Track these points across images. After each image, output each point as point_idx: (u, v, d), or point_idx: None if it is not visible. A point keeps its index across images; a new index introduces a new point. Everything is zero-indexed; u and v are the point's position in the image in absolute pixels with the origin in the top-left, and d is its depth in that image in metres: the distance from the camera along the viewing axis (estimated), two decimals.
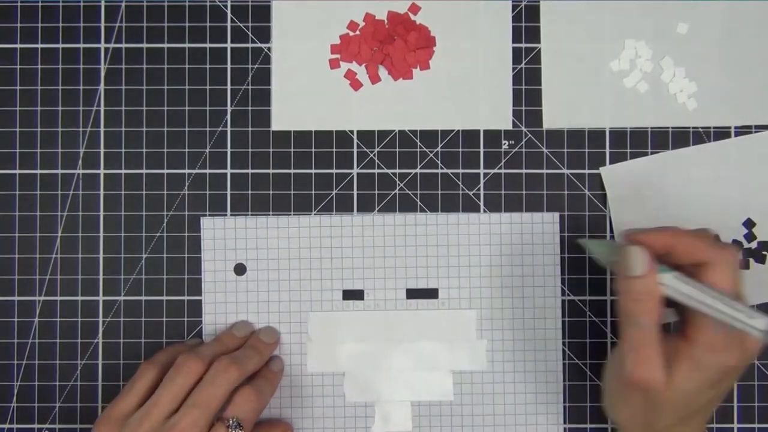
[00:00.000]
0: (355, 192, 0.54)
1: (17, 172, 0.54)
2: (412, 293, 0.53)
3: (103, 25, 0.54)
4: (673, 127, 0.54)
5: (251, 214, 0.54)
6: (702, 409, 0.45)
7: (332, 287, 0.53)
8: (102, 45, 0.54)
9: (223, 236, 0.53)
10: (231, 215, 0.53)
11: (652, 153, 0.54)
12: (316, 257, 0.53)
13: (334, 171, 0.54)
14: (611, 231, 0.54)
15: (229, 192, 0.54)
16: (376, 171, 0.54)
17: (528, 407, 0.53)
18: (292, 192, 0.54)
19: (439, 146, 0.54)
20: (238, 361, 0.48)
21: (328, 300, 0.53)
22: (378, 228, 0.53)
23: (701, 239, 0.43)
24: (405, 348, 0.53)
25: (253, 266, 0.53)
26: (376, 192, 0.54)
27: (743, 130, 0.54)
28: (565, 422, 0.53)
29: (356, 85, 0.54)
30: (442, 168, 0.54)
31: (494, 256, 0.53)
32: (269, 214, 0.54)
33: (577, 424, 0.53)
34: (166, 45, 0.54)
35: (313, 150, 0.54)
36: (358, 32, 0.54)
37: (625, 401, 0.45)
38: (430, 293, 0.53)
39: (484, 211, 0.53)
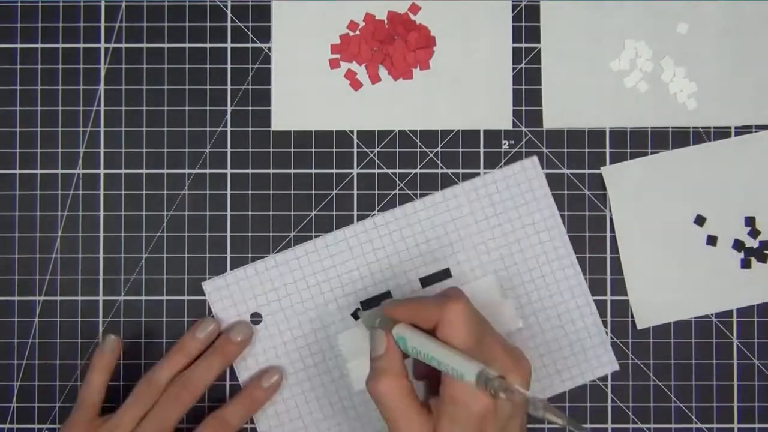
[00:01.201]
0: (355, 192, 0.54)
1: (17, 172, 0.54)
2: (426, 281, 0.53)
3: (103, 25, 0.54)
4: (673, 127, 0.54)
5: (252, 264, 0.54)
6: None
7: (348, 303, 0.53)
8: (102, 45, 0.54)
9: (228, 293, 0.53)
10: (230, 272, 0.53)
11: (652, 153, 0.54)
12: (324, 280, 0.53)
13: (334, 171, 0.54)
14: (611, 231, 0.54)
15: (229, 192, 0.54)
16: (376, 171, 0.54)
17: (574, 347, 0.53)
18: (292, 192, 0.54)
19: (439, 146, 0.54)
20: (191, 383, 0.50)
21: (348, 316, 0.53)
22: (371, 232, 0.53)
23: (425, 304, 0.44)
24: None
25: (267, 311, 0.53)
26: (376, 192, 0.54)
27: (743, 130, 0.54)
28: (613, 380, 0.53)
29: (356, 85, 0.54)
30: (442, 168, 0.54)
31: (490, 217, 0.53)
32: (266, 257, 0.53)
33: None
34: (166, 45, 0.54)
35: (313, 150, 0.54)
36: (358, 32, 0.54)
37: None
38: (444, 275, 0.53)
39: (461, 179, 0.53)
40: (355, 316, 0.53)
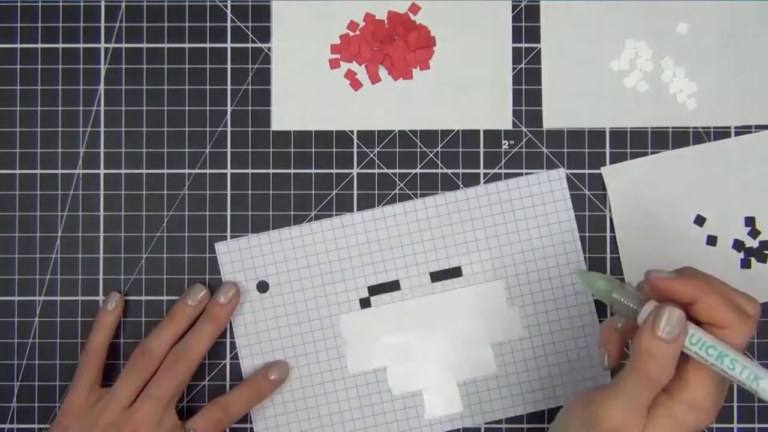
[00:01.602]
0: (355, 192, 0.54)
1: (17, 172, 0.54)
2: (436, 276, 0.53)
3: (103, 25, 0.54)
4: (673, 127, 0.54)
5: (266, 231, 0.54)
6: None
7: (356, 286, 0.53)
8: (102, 45, 0.54)
9: (240, 257, 0.53)
10: (244, 236, 0.53)
11: (652, 153, 0.54)
12: (335, 259, 0.53)
13: (334, 171, 0.54)
14: (611, 231, 0.54)
15: (229, 192, 0.54)
16: (376, 171, 0.54)
17: (572, 365, 0.53)
18: (292, 192, 0.54)
19: (439, 146, 0.54)
20: (187, 353, 0.50)
21: (354, 299, 0.53)
22: (389, 219, 0.53)
23: (728, 304, 0.41)
24: (440, 331, 0.53)
25: (275, 281, 0.53)
26: (376, 192, 0.54)
27: (743, 130, 0.54)
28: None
29: (356, 85, 0.54)
30: (442, 168, 0.54)
31: (509, 223, 0.53)
32: (282, 228, 0.53)
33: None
34: (166, 45, 0.54)
35: (313, 150, 0.54)
36: (358, 32, 0.54)
37: None
38: (454, 272, 0.53)
39: (486, 182, 0.53)
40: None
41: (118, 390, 0.49)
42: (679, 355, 0.40)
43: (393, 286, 0.53)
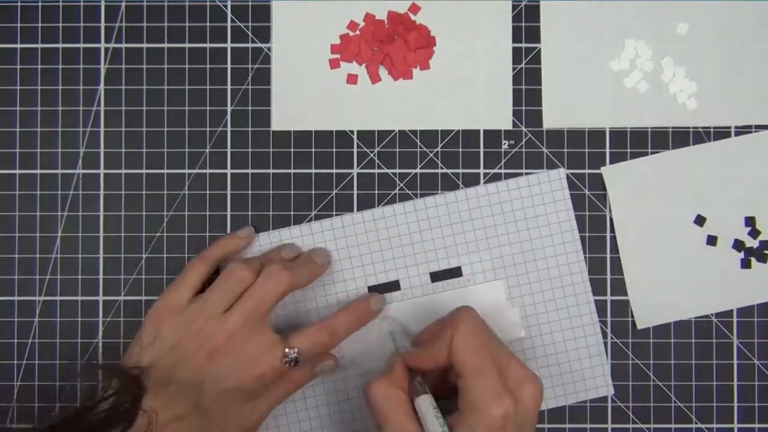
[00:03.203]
0: (355, 192, 0.54)
1: (17, 172, 0.54)
2: (436, 276, 0.53)
3: (103, 25, 0.54)
4: (673, 127, 0.54)
5: (266, 232, 0.54)
6: None
7: (356, 286, 0.53)
8: (102, 45, 0.54)
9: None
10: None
11: (652, 153, 0.54)
12: (335, 260, 0.53)
13: (334, 171, 0.54)
14: (611, 231, 0.54)
15: (229, 192, 0.54)
16: (376, 171, 0.54)
17: (573, 365, 0.53)
18: (292, 192, 0.54)
19: (439, 146, 0.54)
20: (290, 267, 0.48)
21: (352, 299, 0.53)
22: (389, 219, 0.53)
23: (419, 358, 0.46)
24: None
25: None
26: (376, 192, 0.54)
27: (743, 130, 0.54)
28: (613, 379, 0.53)
29: (356, 84, 0.54)
30: (442, 168, 0.54)
31: (509, 223, 0.53)
32: (281, 228, 0.53)
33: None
34: (166, 45, 0.54)
35: (313, 150, 0.54)
36: (358, 32, 0.54)
37: None
38: (454, 272, 0.53)
39: (486, 182, 0.53)
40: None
41: (211, 295, 0.48)
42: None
43: (393, 286, 0.53)
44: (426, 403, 0.44)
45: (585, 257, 0.53)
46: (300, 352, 0.47)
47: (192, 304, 0.48)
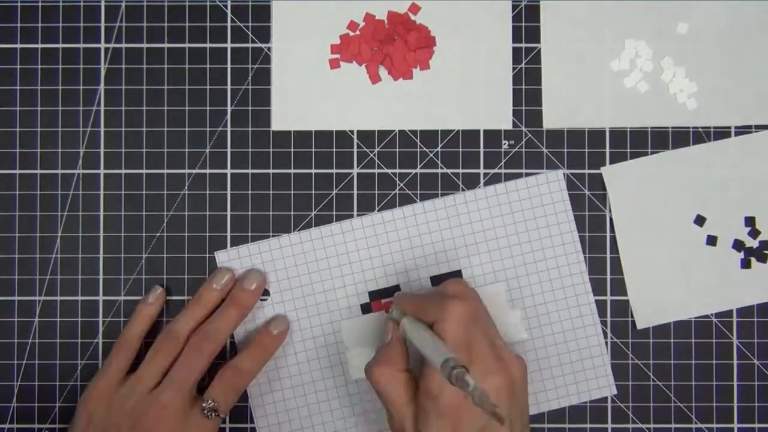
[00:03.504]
0: (355, 192, 0.54)
1: (17, 172, 0.54)
2: (437, 280, 0.53)
3: (103, 25, 0.54)
4: (673, 127, 0.54)
5: (266, 240, 0.54)
6: None
7: (357, 291, 0.53)
8: (102, 45, 0.54)
9: (240, 266, 0.53)
10: (244, 245, 0.53)
11: (652, 153, 0.54)
12: (335, 265, 0.53)
13: (334, 171, 0.54)
14: (611, 231, 0.54)
15: (229, 192, 0.54)
16: (376, 171, 0.54)
17: (575, 365, 0.53)
18: (292, 192, 0.54)
19: (439, 146, 0.54)
20: (212, 334, 0.50)
21: (355, 305, 0.53)
22: (389, 224, 0.53)
23: (428, 301, 0.46)
24: None
25: (275, 288, 0.53)
26: (376, 192, 0.54)
27: (743, 130, 0.54)
28: (615, 380, 0.53)
29: (356, 84, 0.54)
30: (442, 168, 0.54)
31: (508, 225, 0.53)
32: (281, 236, 0.53)
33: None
34: (166, 45, 0.54)
35: (313, 150, 0.54)
36: (358, 32, 0.54)
37: None
38: (455, 276, 0.53)
39: (485, 184, 0.53)
40: (367, 308, 0.53)
41: (143, 373, 0.49)
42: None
43: (393, 290, 0.53)
44: (412, 322, 0.46)
45: (585, 257, 0.53)
46: (215, 400, 0.49)
47: (126, 382, 0.49)
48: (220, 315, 0.51)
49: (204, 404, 0.48)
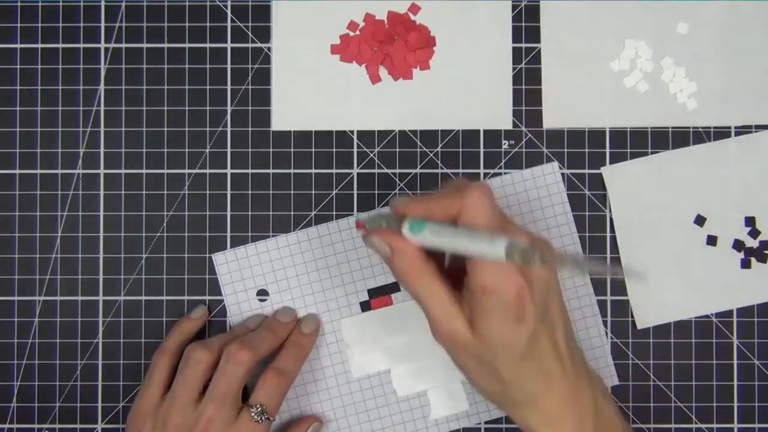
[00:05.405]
0: (355, 192, 0.54)
1: (17, 172, 0.54)
2: None
3: (103, 25, 0.54)
4: (673, 127, 0.54)
5: (264, 240, 0.54)
6: (538, 348, 0.42)
7: (356, 289, 0.53)
8: (102, 45, 0.54)
9: (238, 267, 0.53)
10: (242, 246, 0.53)
11: (652, 153, 0.54)
12: (334, 264, 0.53)
13: (334, 171, 0.54)
14: (611, 231, 0.54)
15: (229, 192, 0.54)
16: (376, 171, 0.54)
17: None
18: (292, 192, 0.54)
19: (439, 146, 0.54)
20: (249, 343, 0.49)
21: (355, 303, 0.53)
22: None
23: (444, 195, 0.42)
24: None
25: (274, 289, 0.53)
26: (376, 192, 0.54)
27: (743, 130, 0.54)
28: (619, 377, 0.53)
29: (356, 84, 0.54)
30: (442, 168, 0.54)
31: None
32: (279, 236, 0.53)
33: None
34: (166, 45, 0.54)
35: (313, 150, 0.54)
36: (358, 32, 0.54)
37: (468, 370, 0.43)
38: None
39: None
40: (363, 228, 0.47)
41: (178, 388, 0.48)
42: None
43: (393, 288, 0.53)
44: (431, 224, 0.41)
45: (585, 257, 0.53)
46: (263, 404, 0.48)
47: (164, 401, 0.49)
48: (257, 332, 0.51)
49: (252, 409, 0.48)
